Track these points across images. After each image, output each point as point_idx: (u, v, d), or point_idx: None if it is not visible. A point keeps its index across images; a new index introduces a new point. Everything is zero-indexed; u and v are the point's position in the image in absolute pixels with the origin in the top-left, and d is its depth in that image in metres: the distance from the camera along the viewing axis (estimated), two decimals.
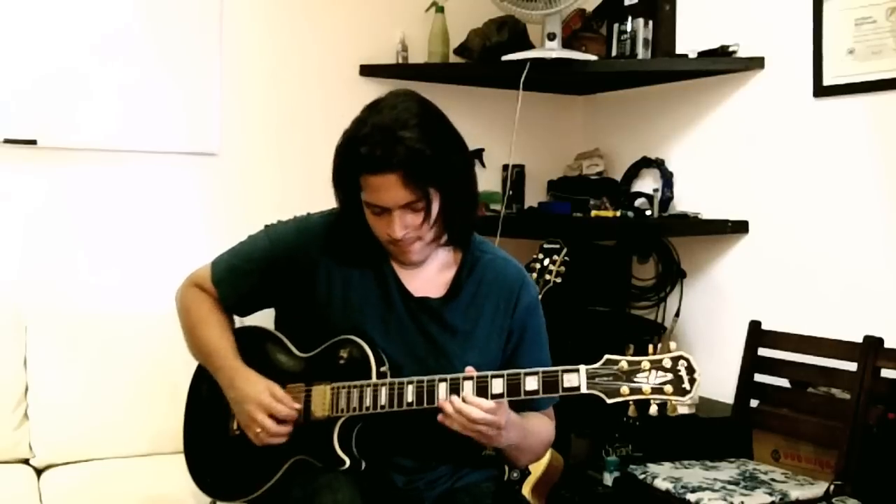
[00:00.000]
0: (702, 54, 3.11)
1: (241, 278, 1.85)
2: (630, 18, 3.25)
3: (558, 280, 2.72)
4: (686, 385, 1.56)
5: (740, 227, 3.08)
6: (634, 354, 1.60)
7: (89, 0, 2.95)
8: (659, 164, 3.37)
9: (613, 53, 3.30)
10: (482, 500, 1.78)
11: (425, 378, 1.65)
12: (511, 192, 3.51)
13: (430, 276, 1.81)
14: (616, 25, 3.29)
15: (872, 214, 2.71)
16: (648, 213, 3.21)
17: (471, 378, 1.63)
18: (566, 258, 2.75)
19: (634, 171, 3.48)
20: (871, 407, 2.50)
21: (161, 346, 2.65)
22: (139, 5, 3.03)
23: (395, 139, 1.61)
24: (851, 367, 2.58)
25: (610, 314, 3.35)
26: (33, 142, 2.90)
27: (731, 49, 3.06)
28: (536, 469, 2.55)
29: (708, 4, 3.24)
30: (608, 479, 2.83)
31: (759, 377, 2.89)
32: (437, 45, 3.44)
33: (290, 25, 3.31)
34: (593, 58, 3.23)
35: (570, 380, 1.60)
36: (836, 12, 2.78)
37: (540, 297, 1.91)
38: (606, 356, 1.60)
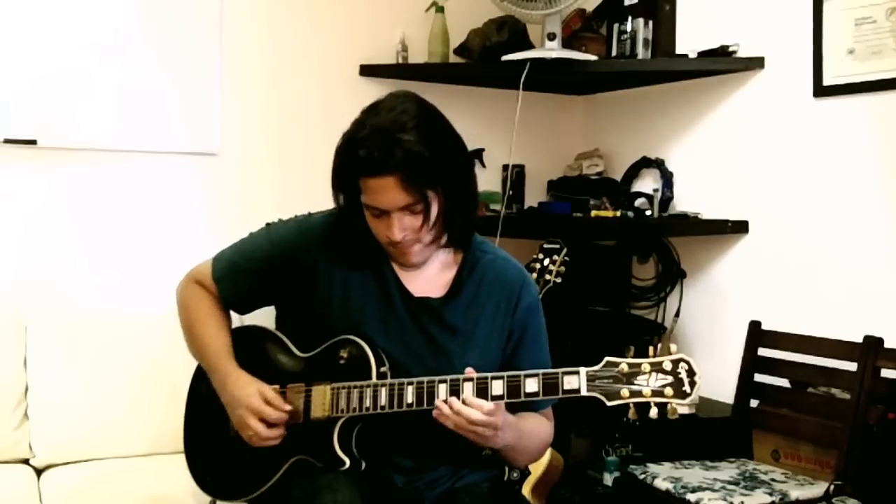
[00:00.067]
0: (702, 54, 3.11)
1: (241, 276, 1.85)
2: (630, 18, 3.25)
3: (558, 280, 2.72)
4: (686, 388, 1.56)
5: (740, 227, 3.08)
6: (635, 356, 1.60)
7: (89, 0, 2.95)
8: (659, 164, 3.37)
9: (613, 53, 3.30)
10: (482, 500, 1.78)
11: (425, 379, 1.65)
12: (511, 192, 3.51)
13: (430, 276, 1.81)
14: (616, 25, 3.29)
15: (872, 214, 2.71)
16: (648, 213, 3.21)
17: (471, 379, 1.63)
18: (566, 258, 2.74)
19: (634, 171, 3.48)
20: (871, 407, 2.50)
21: (161, 346, 2.65)
22: (139, 5, 3.03)
23: (394, 142, 1.60)
24: (851, 367, 2.58)
25: (610, 314, 3.35)
26: (33, 142, 2.90)
27: (731, 49, 3.06)
28: (536, 469, 2.55)
29: (708, 4, 3.24)
30: (608, 479, 2.83)
31: (759, 377, 2.89)
32: (437, 45, 3.44)
33: (290, 25, 3.31)
34: (593, 58, 3.23)
35: (570, 382, 1.60)
36: (836, 12, 2.78)
37: (540, 297, 1.91)
38: (607, 358, 1.60)
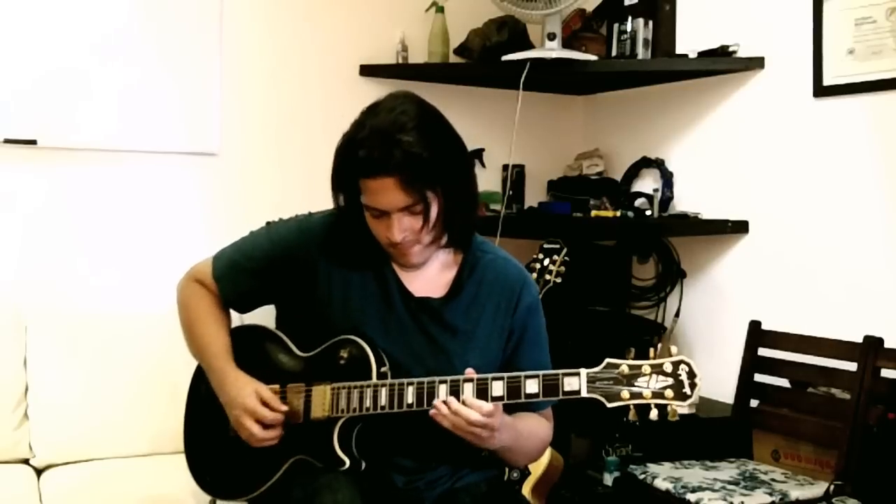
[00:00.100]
0: (702, 54, 3.11)
1: (241, 275, 1.85)
2: (630, 18, 3.25)
3: (558, 280, 2.72)
4: (687, 390, 1.56)
5: (740, 227, 3.08)
6: (635, 358, 1.60)
7: (89, 0, 2.95)
8: (659, 164, 3.37)
9: (613, 53, 3.30)
10: (482, 500, 1.79)
11: (426, 379, 1.65)
12: (511, 192, 3.51)
13: (430, 276, 1.81)
14: (616, 25, 3.30)
15: (872, 214, 2.71)
16: (648, 213, 3.21)
17: (471, 380, 1.63)
18: (566, 258, 2.74)
19: (634, 171, 3.48)
20: (871, 407, 2.50)
21: (161, 346, 2.65)
22: (139, 5, 3.04)
23: (393, 143, 1.60)
24: (851, 367, 2.58)
25: (610, 314, 3.35)
26: (33, 142, 2.90)
27: (731, 49, 3.06)
28: (536, 469, 2.55)
29: (708, 4, 3.24)
30: (608, 479, 2.83)
31: (759, 377, 2.89)
32: (437, 45, 3.44)
33: (290, 25, 3.31)
34: (593, 58, 3.23)
35: (570, 383, 1.60)
36: (836, 12, 2.78)
37: (540, 297, 1.91)
38: (607, 360, 1.60)
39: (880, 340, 2.54)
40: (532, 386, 1.61)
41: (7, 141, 2.87)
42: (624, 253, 3.48)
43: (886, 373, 2.53)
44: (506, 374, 1.63)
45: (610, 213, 3.28)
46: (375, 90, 2.79)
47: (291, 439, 1.75)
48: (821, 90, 2.83)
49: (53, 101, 2.91)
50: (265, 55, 3.27)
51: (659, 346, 1.59)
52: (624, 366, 1.59)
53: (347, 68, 3.40)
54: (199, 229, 3.14)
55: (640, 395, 1.57)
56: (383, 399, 1.67)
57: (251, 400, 1.72)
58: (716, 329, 3.19)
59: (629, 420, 1.60)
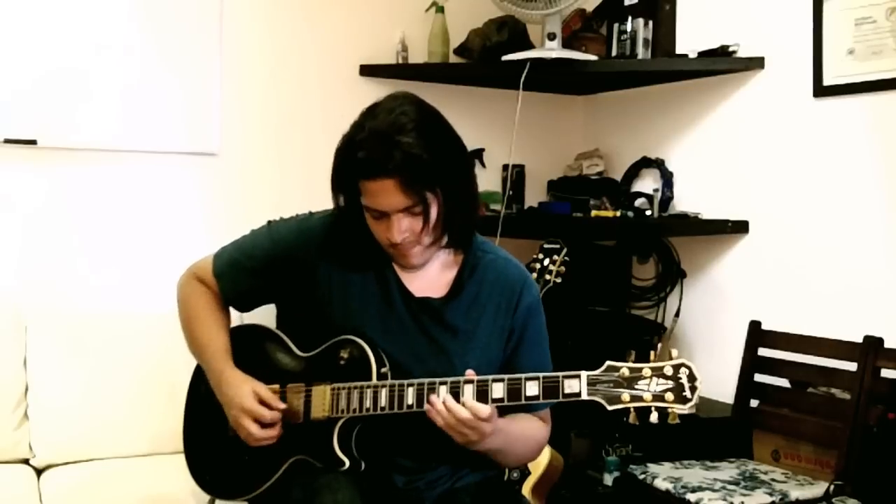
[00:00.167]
0: (702, 54, 3.11)
1: (241, 274, 1.85)
2: (630, 18, 3.25)
3: (558, 280, 2.72)
4: (687, 393, 1.56)
5: (740, 227, 3.08)
6: (636, 360, 1.60)
7: (89, 0, 2.95)
8: (659, 164, 3.37)
9: (613, 53, 3.30)
10: (482, 500, 1.79)
11: (426, 380, 1.65)
12: (511, 192, 3.51)
13: (431, 276, 1.81)
14: (616, 25, 3.30)
15: (872, 214, 2.71)
16: (648, 213, 3.21)
17: (471, 381, 1.63)
18: (566, 258, 2.74)
19: (634, 171, 3.48)
20: (871, 407, 2.50)
21: (161, 346, 2.66)
22: (139, 5, 3.04)
23: (392, 144, 1.60)
24: (851, 367, 2.58)
25: (610, 314, 3.35)
26: (33, 142, 2.90)
27: (731, 49, 3.06)
28: (536, 469, 2.55)
29: (708, 4, 3.24)
30: (608, 479, 2.83)
31: (759, 377, 2.89)
32: (437, 45, 3.44)
33: (290, 25, 3.31)
34: (593, 58, 3.23)
35: (570, 386, 1.60)
36: (836, 12, 2.78)
37: (540, 297, 1.91)
38: (608, 362, 1.60)
39: (880, 340, 2.54)
40: (532, 388, 1.61)
41: (7, 141, 2.87)
42: (624, 253, 3.48)
43: (886, 373, 2.53)
44: (506, 376, 1.63)
45: (610, 213, 3.28)
46: (375, 90, 2.79)
47: (291, 439, 1.75)
48: (821, 90, 2.83)
49: (53, 101, 2.91)
50: (265, 55, 3.27)
51: (659, 346, 1.59)
52: (624, 368, 1.59)
53: (347, 68, 3.40)
54: (199, 229, 3.14)
55: (640, 398, 1.57)
56: (383, 400, 1.67)
57: (249, 400, 1.72)
58: (716, 329, 3.19)
59: (629, 422, 1.60)
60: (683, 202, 3.28)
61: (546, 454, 2.56)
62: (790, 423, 2.75)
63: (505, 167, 3.54)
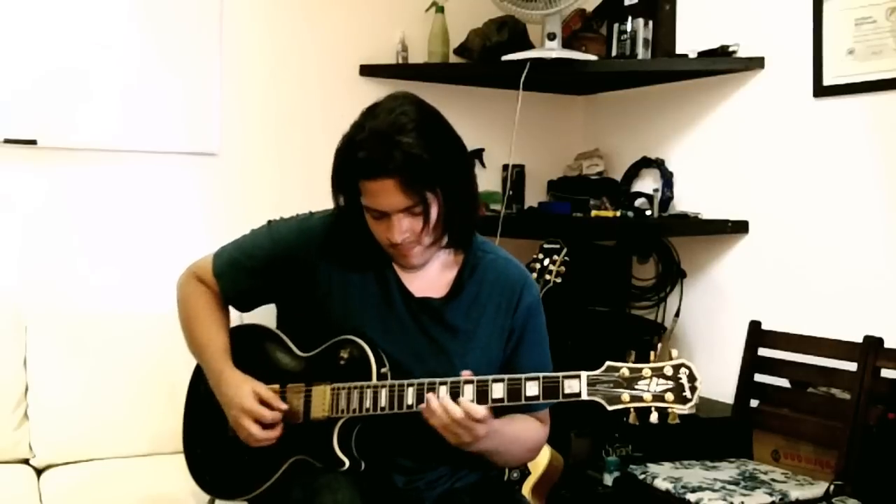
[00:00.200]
0: (702, 54, 3.11)
1: (241, 273, 1.85)
2: (630, 18, 3.25)
3: (558, 280, 2.72)
4: (687, 393, 1.56)
5: (740, 227, 3.08)
6: (636, 360, 1.60)
7: (89, 0, 2.95)
8: (659, 164, 3.37)
9: (613, 53, 3.30)
10: (482, 501, 1.79)
11: (426, 380, 1.65)
12: (511, 192, 3.51)
13: (431, 276, 1.81)
14: (616, 25, 3.30)
15: (872, 214, 2.71)
16: (648, 213, 3.21)
17: (471, 381, 1.63)
18: (566, 258, 2.74)
19: (634, 171, 3.48)
20: (871, 407, 2.50)
21: (161, 346, 2.65)
22: (139, 5, 3.04)
23: (393, 144, 1.60)
24: (851, 367, 2.58)
25: (610, 314, 3.35)
26: (33, 142, 2.90)
27: (731, 49, 3.06)
28: (536, 469, 2.55)
29: (708, 4, 3.24)
30: (608, 479, 2.83)
31: (759, 377, 2.89)
32: (437, 45, 3.44)
33: (289, 25, 3.31)
34: (593, 58, 3.23)
35: (570, 386, 1.60)
36: (836, 12, 2.78)
37: (540, 296, 1.91)
38: (608, 363, 1.60)
39: (880, 340, 2.54)
40: (532, 388, 1.61)
41: (7, 141, 2.87)
42: (624, 253, 3.48)
43: (886, 373, 2.53)
44: (506, 377, 1.63)
45: (610, 213, 3.28)
46: (375, 90, 2.79)
47: (291, 439, 1.74)
48: (821, 90, 2.83)
49: (53, 101, 2.91)
50: (265, 55, 3.27)
51: (659, 346, 1.59)
52: (624, 368, 1.59)
53: (347, 68, 3.40)
54: (199, 229, 3.14)
55: (640, 398, 1.57)
56: (383, 400, 1.67)
57: (249, 400, 1.72)
58: (716, 329, 3.19)
59: (629, 422, 1.60)
60: (683, 202, 3.28)
61: (546, 454, 2.56)
62: (790, 423, 2.75)
63: (505, 167, 3.54)
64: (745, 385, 2.90)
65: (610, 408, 1.58)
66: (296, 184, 3.19)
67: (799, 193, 2.92)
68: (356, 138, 1.64)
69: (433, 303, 1.78)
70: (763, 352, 2.90)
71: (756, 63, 3.04)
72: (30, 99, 2.88)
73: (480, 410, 1.60)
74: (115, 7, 3.00)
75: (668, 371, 1.57)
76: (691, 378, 1.57)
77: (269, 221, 1.88)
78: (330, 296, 1.78)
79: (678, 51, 3.28)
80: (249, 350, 1.84)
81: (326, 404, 1.72)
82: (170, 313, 1.96)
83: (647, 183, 3.43)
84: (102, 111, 2.99)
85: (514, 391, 1.62)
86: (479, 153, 3.51)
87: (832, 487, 2.43)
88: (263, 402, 1.73)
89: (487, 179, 3.58)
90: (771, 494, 2.43)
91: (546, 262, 2.75)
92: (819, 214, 2.86)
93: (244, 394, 1.73)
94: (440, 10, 3.43)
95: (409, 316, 1.77)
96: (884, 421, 2.48)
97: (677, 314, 3.30)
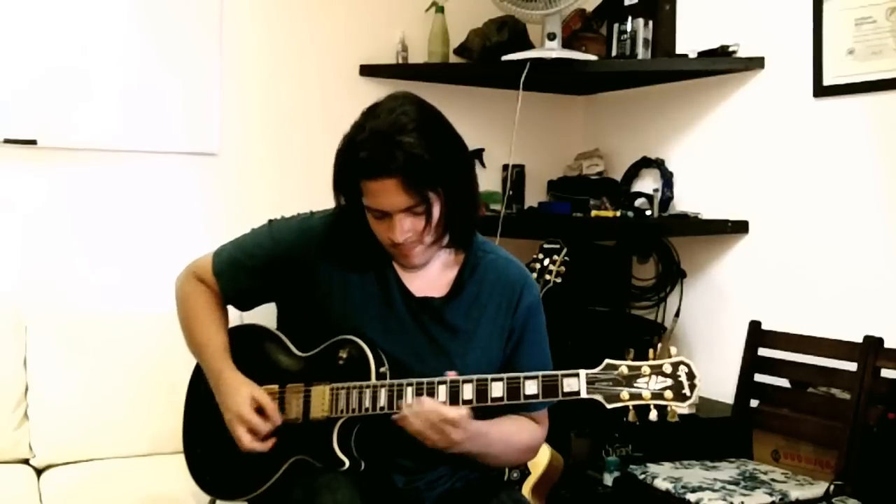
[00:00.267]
0: (702, 54, 3.11)
1: (241, 273, 1.85)
2: (630, 18, 3.25)
3: (558, 280, 2.72)
4: (686, 391, 1.56)
5: (740, 227, 3.08)
6: (635, 359, 1.60)
7: (89, 0, 2.95)
8: (659, 164, 3.37)
9: (613, 53, 3.30)
10: (482, 500, 1.78)
11: (425, 380, 1.65)
12: (511, 192, 3.51)
13: (432, 276, 1.81)
14: (616, 25, 3.30)
15: (872, 214, 2.71)
16: (648, 213, 3.21)
17: (471, 381, 1.63)
18: (566, 258, 2.74)
19: (634, 171, 3.48)
20: (871, 407, 2.50)
21: (161, 345, 2.65)
22: (139, 5, 3.04)
23: (394, 144, 1.60)
24: (851, 367, 2.58)
25: (610, 314, 3.35)
26: (33, 142, 2.90)
27: (731, 49, 3.06)
28: (536, 469, 2.55)
29: (708, 4, 3.24)
30: (608, 479, 2.83)
31: (759, 377, 2.89)
32: (437, 45, 3.44)
33: (289, 25, 3.31)
34: (593, 58, 3.23)
35: (569, 384, 1.60)
36: (836, 12, 2.78)
37: (540, 296, 1.91)
38: (607, 361, 1.60)
39: (880, 340, 2.54)
40: (531, 387, 1.61)
41: (7, 141, 2.87)
42: (624, 253, 3.48)
43: (886, 373, 2.53)
44: (505, 375, 1.63)
45: (610, 213, 3.28)
46: (375, 90, 2.79)
47: (291, 439, 1.74)
48: (821, 90, 2.83)
49: (53, 101, 2.91)
50: (265, 55, 3.27)
51: (659, 346, 1.59)
52: (623, 367, 1.59)
53: (347, 68, 3.40)
54: (199, 229, 3.14)
55: (639, 396, 1.57)
56: (382, 399, 1.67)
57: (246, 407, 1.72)
58: (716, 329, 3.19)
59: (629, 421, 1.60)
60: (683, 202, 3.28)
61: (546, 454, 2.55)
62: (790, 423, 2.75)
63: (505, 167, 3.54)
64: (745, 385, 2.90)
65: (609, 406, 1.58)
66: (296, 184, 3.19)
67: (799, 193, 2.92)
68: (357, 139, 1.64)
69: (433, 302, 1.78)
70: (763, 352, 2.90)
71: (756, 63, 3.04)
72: (30, 99, 2.88)
73: (451, 412, 1.60)
74: (115, 7, 3.00)
75: (667, 369, 1.58)
76: (690, 376, 1.57)
77: (270, 221, 1.88)
78: (330, 295, 1.78)
79: (678, 51, 3.28)
80: (249, 350, 1.84)
81: (326, 404, 1.72)
82: (170, 313, 1.95)
83: (647, 183, 3.43)
84: (102, 111, 2.99)
85: (514, 390, 1.62)
86: (479, 153, 3.51)
87: (832, 487, 2.43)
88: (261, 411, 1.72)
89: (487, 179, 3.58)
90: (771, 494, 2.43)
91: (546, 262, 2.75)
92: (819, 214, 2.86)
93: (242, 399, 1.73)
94: (440, 10, 3.43)
95: (410, 316, 1.77)
96: (884, 421, 2.48)
97: (677, 314, 3.30)
